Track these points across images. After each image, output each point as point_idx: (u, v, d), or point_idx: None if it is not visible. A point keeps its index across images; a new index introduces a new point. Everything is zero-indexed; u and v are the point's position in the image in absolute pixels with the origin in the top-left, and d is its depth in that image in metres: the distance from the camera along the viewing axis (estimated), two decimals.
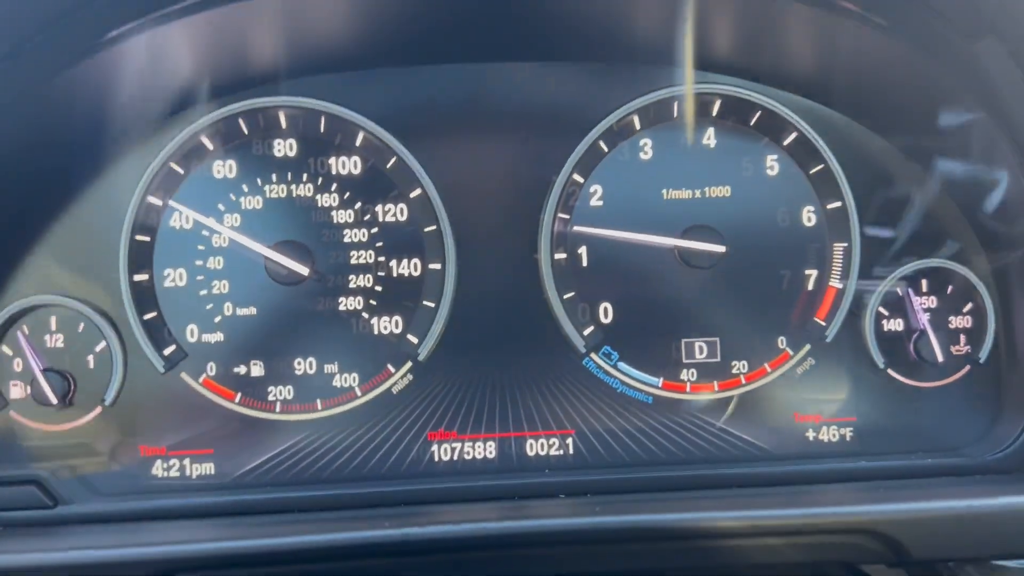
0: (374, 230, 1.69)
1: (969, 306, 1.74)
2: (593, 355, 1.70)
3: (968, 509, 1.38)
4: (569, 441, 1.70)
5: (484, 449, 1.69)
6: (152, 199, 1.65)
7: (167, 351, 1.64)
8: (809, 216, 1.74)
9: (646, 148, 1.73)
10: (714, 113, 1.74)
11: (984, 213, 1.70)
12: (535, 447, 1.69)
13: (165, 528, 1.54)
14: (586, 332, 1.70)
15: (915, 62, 1.57)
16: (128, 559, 1.37)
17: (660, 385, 1.71)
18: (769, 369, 1.72)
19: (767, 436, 1.71)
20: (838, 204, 1.73)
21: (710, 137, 1.74)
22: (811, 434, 1.72)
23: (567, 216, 1.71)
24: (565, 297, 1.69)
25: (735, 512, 1.36)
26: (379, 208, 1.69)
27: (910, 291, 1.73)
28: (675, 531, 1.34)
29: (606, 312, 1.71)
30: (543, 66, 1.73)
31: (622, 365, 1.71)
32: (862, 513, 1.37)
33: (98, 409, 1.63)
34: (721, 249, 1.69)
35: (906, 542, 1.35)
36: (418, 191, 1.69)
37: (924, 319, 1.72)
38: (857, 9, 1.52)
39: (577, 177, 1.71)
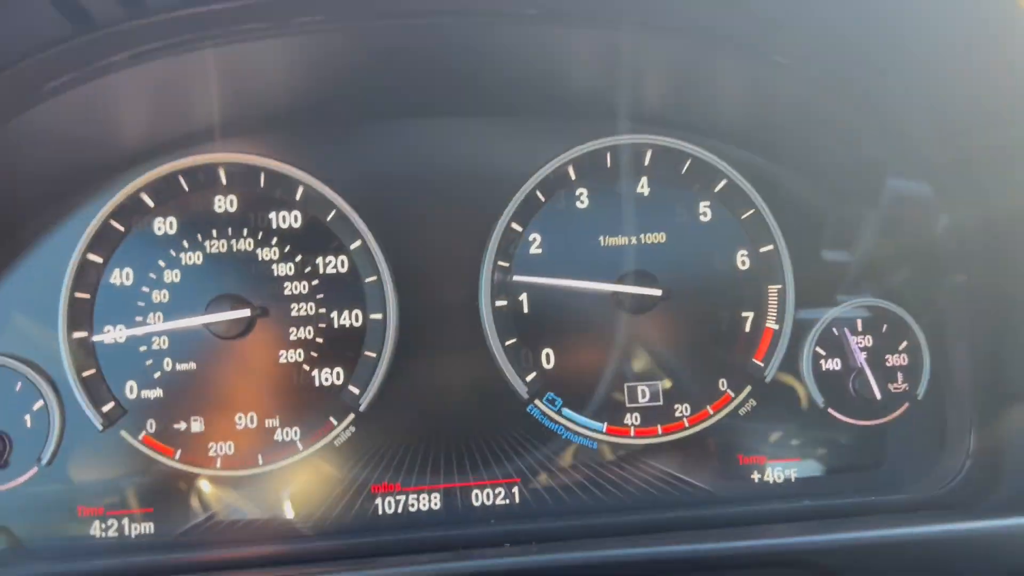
0: (315, 282, 1.70)
1: (904, 344, 1.77)
2: (537, 402, 1.71)
3: (904, 537, 1.38)
4: (515, 490, 1.69)
5: (429, 501, 1.67)
6: (92, 256, 1.66)
7: (106, 408, 1.63)
8: (743, 260, 1.78)
9: (582, 197, 1.77)
10: (646, 163, 1.79)
11: (910, 249, 1.75)
12: (480, 497, 1.68)
13: None
14: (529, 378, 1.70)
15: (832, 106, 1.63)
16: None
17: (604, 430, 1.71)
18: (712, 411, 1.73)
19: (712, 479, 1.71)
20: (770, 247, 1.77)
21: (644, 186, 1.79)
22: (756, 475, 1.72)
23: (507, 264, 1.74)
24: (507, 344, 1.71)
25: (669, 547, 1.36)
26: (320, 260, 1.70)
27: (846, 330, 1.76)
28: (609, 566, 1.33)
29: (548, 358, 1.72)
30: (480, 120, 1.78)
31: (566, 411, 1.71)
32: (799, 544, 1.37)
33: (34, 469, 1.60)
34: (658, 293, 1.72)
35: (843, 572, 1.35)
36: (358, 242, 1.71)
37: (861, 358, 1.75)
38: (784, 61, 1.59)
39: (515, 226, 1.75)
